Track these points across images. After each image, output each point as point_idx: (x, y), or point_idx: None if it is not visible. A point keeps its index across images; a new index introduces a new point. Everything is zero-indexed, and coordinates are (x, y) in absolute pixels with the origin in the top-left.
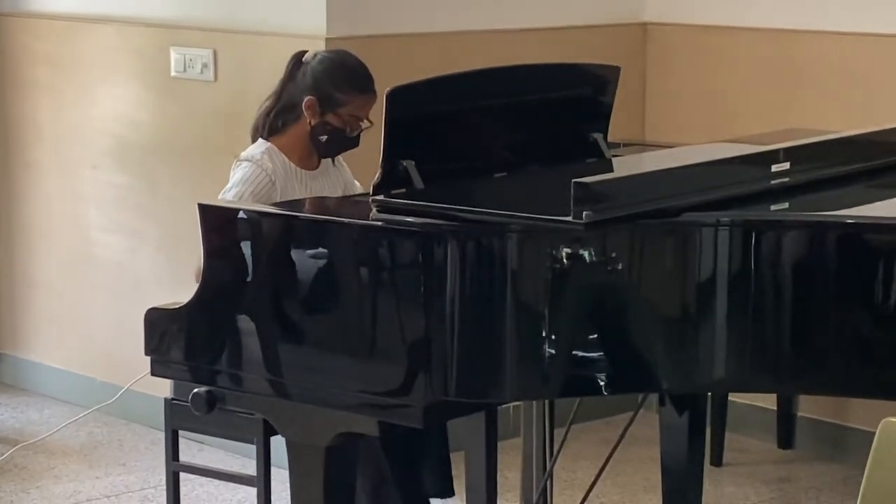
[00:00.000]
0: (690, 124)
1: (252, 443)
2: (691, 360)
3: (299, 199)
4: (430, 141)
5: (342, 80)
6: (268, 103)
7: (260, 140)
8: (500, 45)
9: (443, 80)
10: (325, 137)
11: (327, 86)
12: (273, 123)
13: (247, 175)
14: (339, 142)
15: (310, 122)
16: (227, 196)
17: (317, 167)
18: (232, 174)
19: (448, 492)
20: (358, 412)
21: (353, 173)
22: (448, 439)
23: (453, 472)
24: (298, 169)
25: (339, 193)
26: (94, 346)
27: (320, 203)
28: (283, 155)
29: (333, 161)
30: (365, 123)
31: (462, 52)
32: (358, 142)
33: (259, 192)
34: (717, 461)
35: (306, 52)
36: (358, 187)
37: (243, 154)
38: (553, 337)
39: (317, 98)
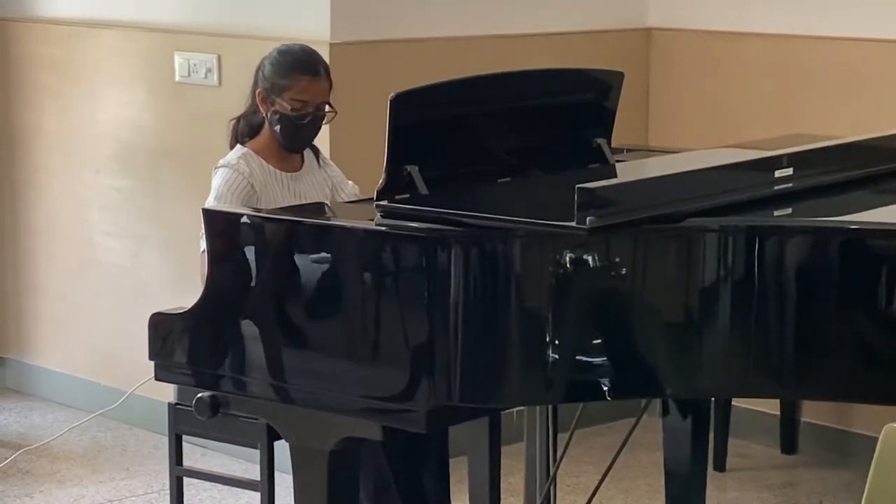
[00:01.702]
0: (694, 130)
1: (256, 447)
2: (695, 365)
3: (302, 204)
4: (433, 146)
5: (283, 65)
6: (243, 110)
7: (238, 146)
8: (503, 51)
9: (446, 86)
10: (278, 127)
11: (272, 74)
12: (244, 128)
13: (225, 180)
14: (293, 129)
15: (266, 116)
16: (209, 203)
17: (299, 168)
18: (212, 181)
19: (445, 501)
20: (361, 417)
21: (355, 177)
22: (448, 448)
23: (456, 479)
24: (278, 171)
25: (326, 193)
26: (97, 351)
27: (323, 208)
28: (260, 158)
29: (319, 161)
30: (327, 110)
31: (466, 57)
32: (315, 128)
33: (238, 195)
34: (720, 466)
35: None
36: (349, 185)
37: (221, 161)
38: (556, 342)
39: (265, 89)
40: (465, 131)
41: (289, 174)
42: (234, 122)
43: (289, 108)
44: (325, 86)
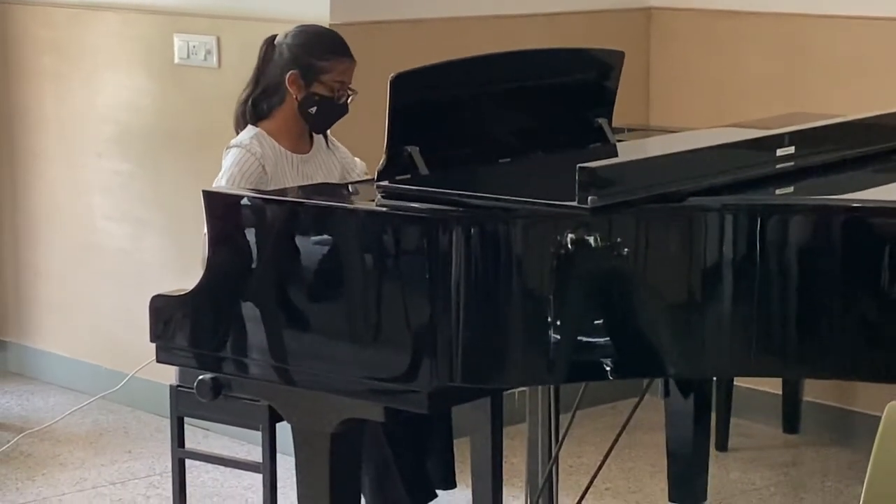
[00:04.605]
0: (695, 109)
1: (257, 429)
2: (697, 345)
3: (303, 185)
4: (434, 127)
5: (319, 48)
6: (246, 91)
7: (249, 126)
8: (504, 31)
9: (447, 66)
10: (314, 109)
11: (307, 57)
12: (257, 109)
13: (236, 160)
14: (330, 110)
15: (296, 98)
16: (219, 183)
17: (309, 150)
18: (223, 161)
19: (451, 483)
20: (363, 398)
21: (351, 154)
22: (452, 431)
23: (458, 460)
24: (290, 153)
25: (336, 176)
26: (99, 334)
27: (324, 189)
28: (272, 139)
29: (328, 143)
30: (350, 90)
31: (466, 37)
32: (347, 109)
33: (249, 176)
34: (722, 446)
35: (276, 34)
36: (358, 162)
37: (233, 141)
38: (558, 322)
39: (299, 71)
40: (466, 111)
41: (299, 156)
42: (243, 101)
43: (330, 90)
44: (355, 66)
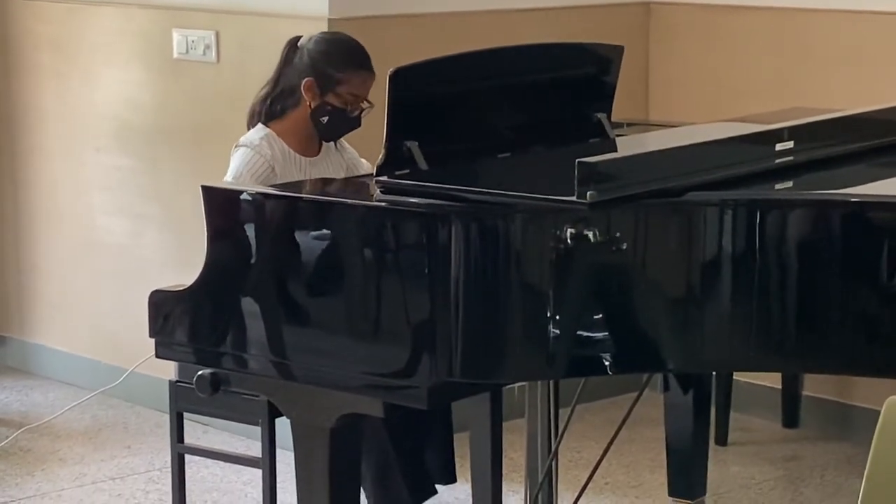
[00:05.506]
0: (694, 104)
1: (257, 425)
2: (696, 339)
3: (303, 181)
4: (433, 121)
5: (339, 59)
6: (265, 90)
7: (259, 125)
8: (503, 26)
9: (446, 61)
10: (325, 119)
11: (325, 66)
12: (271, 109)
13: (246, 160)
14: (341, 122)
15: (309, 105)
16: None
17: (317, 153)
18: (231, 160)
19: (451, 478)
20: (363, 393)
21: (358, 154)
22: (452, 425)
23: (458, 454)
24: (298, 155)
25: (342, 177)
26: (98, 329)
27: (324, 184)
28: (281, 141)
29: (336, 145)
30: (365, 104)
31: (465, 32)
32: (359, 122)
33: (259, 177)
34: (721, 441)
35: (301, 36)
36: (364, 164)
37: (241, 139)
38: (557, 317)
39: (315, 79)
40: (465, 106)
41: (307, 159)
42: (260, 100)
43: (343, 102)
44: (373, 80)
